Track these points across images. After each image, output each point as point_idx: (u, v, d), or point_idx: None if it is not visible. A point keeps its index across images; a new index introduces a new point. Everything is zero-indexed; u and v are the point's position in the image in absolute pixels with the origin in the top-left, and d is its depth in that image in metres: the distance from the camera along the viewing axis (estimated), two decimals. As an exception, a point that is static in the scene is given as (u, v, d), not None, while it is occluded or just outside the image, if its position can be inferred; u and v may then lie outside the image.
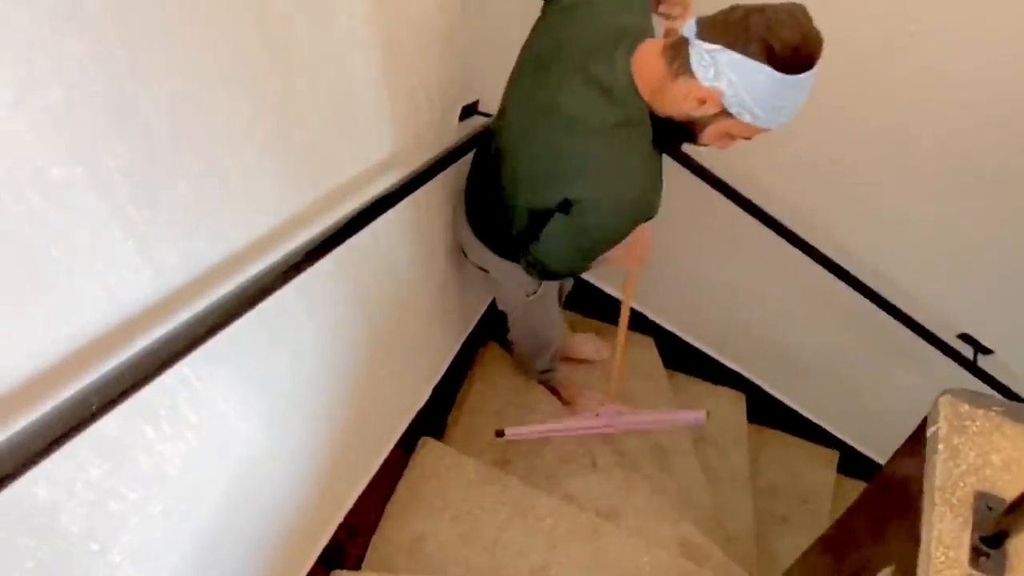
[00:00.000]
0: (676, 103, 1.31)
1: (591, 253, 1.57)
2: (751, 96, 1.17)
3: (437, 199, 1.85)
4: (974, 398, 1.05)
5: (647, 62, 1.32)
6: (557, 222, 1.51)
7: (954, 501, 0.97)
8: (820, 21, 1.15)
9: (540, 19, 1.52)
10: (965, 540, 0.94)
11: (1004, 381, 2.46)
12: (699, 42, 1.19)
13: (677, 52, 1.26)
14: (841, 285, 2.38)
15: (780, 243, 2.32)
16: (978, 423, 1.03)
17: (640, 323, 3.06)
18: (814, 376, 3.04)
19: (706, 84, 1.21)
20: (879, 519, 1.25)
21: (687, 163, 2.15)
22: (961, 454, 1.01)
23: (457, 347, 2.45)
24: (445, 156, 1.63)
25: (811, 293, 2.61)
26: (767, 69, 1.12)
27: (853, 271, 2.35)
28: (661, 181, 1.49)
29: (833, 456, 3.38)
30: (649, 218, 1.47)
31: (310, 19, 1.07)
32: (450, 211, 1.97)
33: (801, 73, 1.13)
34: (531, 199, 1.54)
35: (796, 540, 3.13)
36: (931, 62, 1.79)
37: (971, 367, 2.46)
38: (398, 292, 1.77)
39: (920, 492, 1.03)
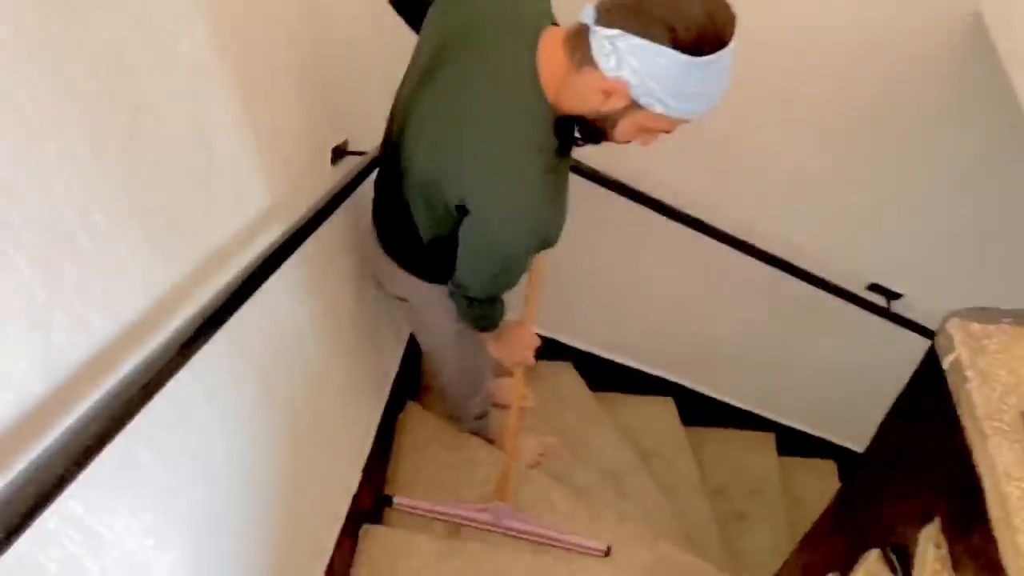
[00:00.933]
0: (582, 98, 1.19)
1: (502, 271, 1.41)
2: (658, 84, 1.07)
3: (329, 250, 1.64)
4: (982, 314, 0.96)
5: (549, 56, 1.20)
6: (463, 233, 1.36)
7: (1005, 427, 0.87)
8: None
9: (430, 14, 1.37)
10: (1032, 467, 0.83)
11: (919, 320, 2.49)
12: (599, 28, 1.08)
13: (578, 41, 1.14)
14: (749, 261, 2.35)
15: (681, 231, 2.26)
16: (995, 339, 0.94)
17: (555, 349, 2.93)
18: (737, 362, 3.01)
19: (610, 74, 1.10)
20: (900, 479, 1.14)
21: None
22: (992, 376, 0.91)
23: (378, 417, 2.21)
24: (327, 203, 1.43)
25: (721, 277, 2.57)
26: (670, 52, 1.02)
27: (757, 243, 2.33)
28: (565, 200, 1.37)
29: (769, 439, 3.36)
30: (549, 245, 1.33)
31: (144, 43, 0.87)
32: (348, 261, 1.77)
33: (709, 55, 1.03)
34: (429, 208, 1.39)
35: (759, 535, 3.07)
36: (794, 21, 1.79)
37: (886, 314, 2.48)
38: (306, 365, 1.54)
39: (953, 431, 0.93)
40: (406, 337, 2.51)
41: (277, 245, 1.21)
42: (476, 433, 2.40)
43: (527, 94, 1.22)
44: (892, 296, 2.50)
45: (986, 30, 1.61)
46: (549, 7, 1.32)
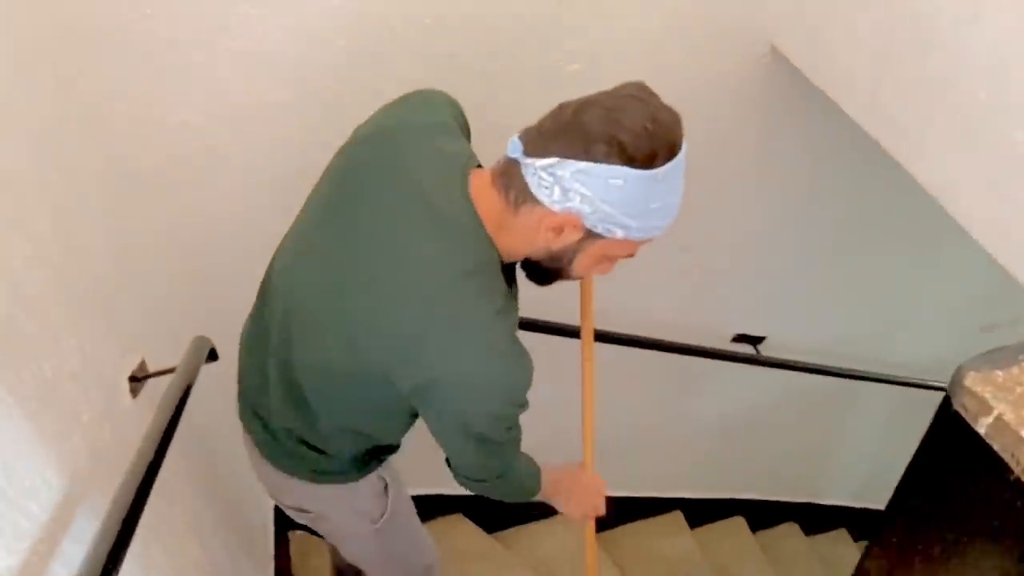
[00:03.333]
0: (528, 240, 1.00)
1: (502, 447, 1.14)
2: (615, 207, 0.92)
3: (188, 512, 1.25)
4: (996, 359, 0.82)
5: (482, 198, 1.00)
6: (437, 424, 1.09)
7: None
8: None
9: (333, 162, 1.12)
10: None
11: (789, 358, 2.47)
12: (530, 159, 0.92)
13: (510, 179, 0.96)
14: (614, 349, 2.20)
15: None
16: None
17: (440, 506, 2.60)
18: (624, 452, 2.83)
19: (557, 208, 0.94)
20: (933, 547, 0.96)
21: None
22: (1041, 427, 0.76)
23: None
24: (146, 469, 1.06)
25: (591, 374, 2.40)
26: (624, 171, 0.89)
27: (613, 330, 2.19)
28: None
29: (677, 517, 3.20)
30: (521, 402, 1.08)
31: None
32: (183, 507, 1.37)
33: (665, 163, 0.90)
34: (350, 394, 1.12)
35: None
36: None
37: (757, 361, 2.44)
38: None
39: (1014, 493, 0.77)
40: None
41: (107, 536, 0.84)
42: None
43: (471, 232, 1.00)
44: (757, 340, 2.47)
45: (786, 60, 1.61)
46: (471, 151, 1.11)
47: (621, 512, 3.04)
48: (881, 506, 3.73)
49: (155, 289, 1.52)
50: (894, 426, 3.38)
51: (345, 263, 1.03)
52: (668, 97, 1.74)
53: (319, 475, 1.31)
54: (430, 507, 2.56)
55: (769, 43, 1.66)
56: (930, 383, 2.82)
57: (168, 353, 1.39)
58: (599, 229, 0.94)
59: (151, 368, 1.39)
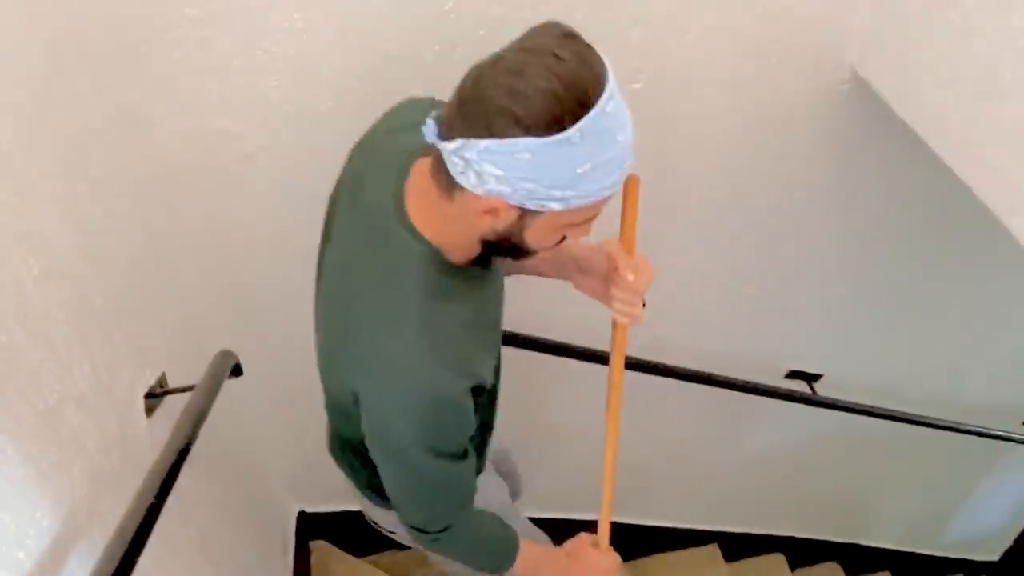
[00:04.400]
0: (471, 224, 0.90)
1: (436, 486, 1.08)
2: (535, 182, 0.80)
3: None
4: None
5: (418, 193, 0.95)
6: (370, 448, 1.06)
7: None
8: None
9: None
10: None
11: (845, 399, 2.32)
12: (442, 144, 0.82)
13: (438, 165, 0.87)
14: (661, 380, 2.09)
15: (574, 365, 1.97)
16: None
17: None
18: (666, 480, 2.72)
19: (480, 192, 0.83)
20: None
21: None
22: None
23: None
24: (159, 487, 1.00)
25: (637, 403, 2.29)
26: (527, 142, 0.76)
27: (665, 361, 2.08)
28: (489, 332, 1.11)
29: (714, 551, 3.07)
30: (480, 385, 1.02)
31: None
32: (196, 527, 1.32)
33: (576, 123, 0.76)
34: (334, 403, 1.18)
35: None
36: (661, 110, 1.59)
37: (812, 401, 2.30)
38: None
39: None
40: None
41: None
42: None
43: (395, 244, 0.95)
44: (813, 378, 2.33)
45: (868, 87, 1.48)
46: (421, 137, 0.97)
47: (656, 541, 2.94)
48: (928, 551, 3.56)
49: (184, 302, 1.47)
50: (951, 470, 3.20)
51: (324, 289, 1.09)
52: (738, 119, 1.64)
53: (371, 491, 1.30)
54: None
55: (851, 68, 1.53)
56: (995, 432, 2.65)
57: (195, 366, 1.33)
58: (530, 206, 0.83)
59: (173, 383, 1.34)
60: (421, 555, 2.42)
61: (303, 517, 2.26)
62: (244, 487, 1.76)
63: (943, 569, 3.80)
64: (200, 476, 1.40)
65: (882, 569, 3.66)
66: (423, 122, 0.84)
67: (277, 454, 2.02)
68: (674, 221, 1.80)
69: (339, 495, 2.28)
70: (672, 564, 2.99)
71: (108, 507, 0.97)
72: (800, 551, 3.28)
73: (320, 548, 2.35)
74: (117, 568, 0.84)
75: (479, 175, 0.81)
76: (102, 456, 1.00)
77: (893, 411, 2.40)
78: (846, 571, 3.49)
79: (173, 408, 1.26)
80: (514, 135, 0.76)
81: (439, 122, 0.82)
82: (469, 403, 0.99)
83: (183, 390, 1.27)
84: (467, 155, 0.79)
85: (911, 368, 2.49)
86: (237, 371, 1.43)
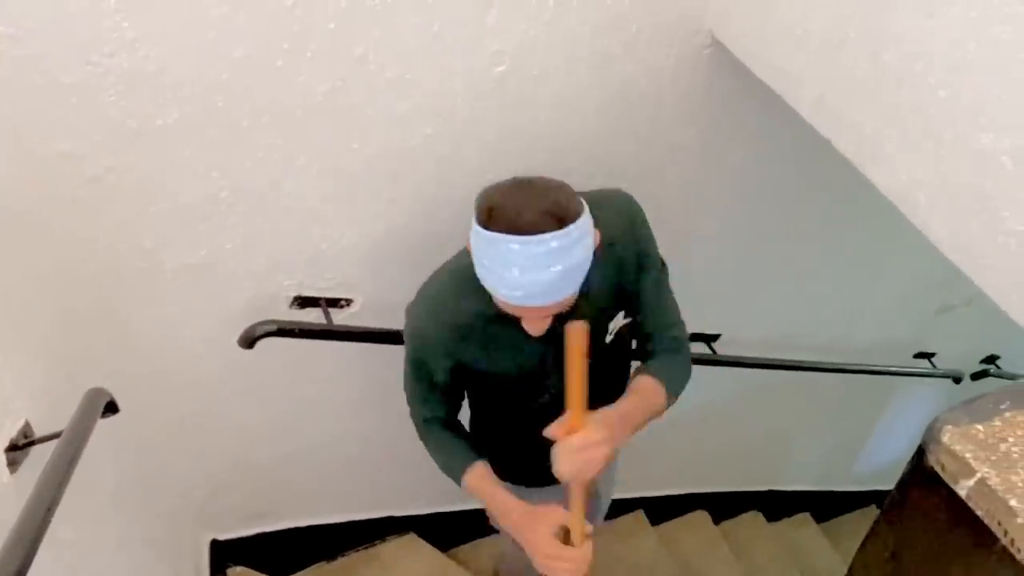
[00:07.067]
0: None
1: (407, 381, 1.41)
2: (475, 257, 1.12)
3: None
4: (973, 410, 0.72)
5: None
6: None
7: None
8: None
9: None
10: None
11: (744, 354, 2.39)
12: None
13: None
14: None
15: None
16: (1010, 437, 0.70)
17: (391, 526, 2.47)
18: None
19: None
20: None
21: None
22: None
23: None
24: (33, 533, 0.92)
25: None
26: (475, 226, 1.09)
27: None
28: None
29: (639, 516, 3.12)
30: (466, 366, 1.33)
31: None
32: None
33: (494, 231, 1.04)
34: None
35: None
36: (529, 92, 1.57)
37: (713, 361, 2.35)
38: None
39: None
40: None
41: None
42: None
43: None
44: (712, 339, 2.38)
45: (727, 51, 1.50)
46: None
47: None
48: (841, 487, 3.71)
49: (46, 341, 1.36)
50: (853, 409, 3.35)
51: None
52: (606, 93, 1.63)
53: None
54: (381, 529, 2.44)
55: (710, 32, 1.55)
56: (881, 368, 2.79)
57: (68, 407, 1.23)
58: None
59: (41, 430, 1.24)
60: (346, 565, 2.38)
61: (216, 545, 2.16)
62: (141, 528, 1.66)
63: (857, 502, 3.99)
64: (83, 527, 1.31)
65: (801, 511, 3.82)
66: None
67: (177, 486, 1.92)
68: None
69: (253, 517, 2.20)
70: (599, 534, 3.01)
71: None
72: (722, 505, 3.39)
73: (239, 575, 2.26)
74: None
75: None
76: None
77: (788, 361, 2.49)
78: (767, 517, 3.63)
79: (42, 458, 1.17)
80: (476, 219, 1.09)
81: None
82: (431, 344, 1.30)
83: (50, 438, 1.18)
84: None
85: (804, 318, 2.58)
86: (112, 408, 1.34)
